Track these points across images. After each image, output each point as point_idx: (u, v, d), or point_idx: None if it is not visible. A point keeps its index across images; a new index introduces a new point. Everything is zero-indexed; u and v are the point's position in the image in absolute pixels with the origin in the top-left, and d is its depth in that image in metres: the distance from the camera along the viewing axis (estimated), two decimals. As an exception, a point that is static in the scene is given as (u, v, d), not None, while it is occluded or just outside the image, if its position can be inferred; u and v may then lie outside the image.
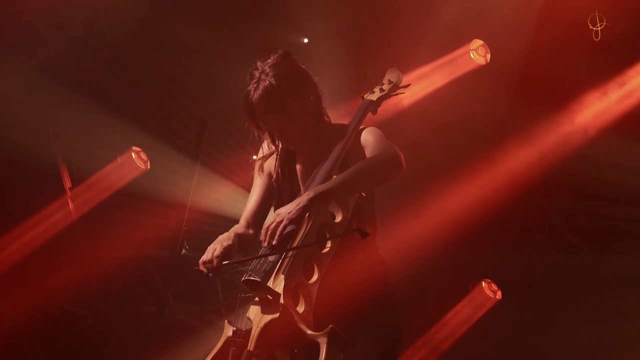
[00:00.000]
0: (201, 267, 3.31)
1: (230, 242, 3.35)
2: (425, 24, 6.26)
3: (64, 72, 6.56)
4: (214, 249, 3.31)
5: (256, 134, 3.59)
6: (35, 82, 6.48)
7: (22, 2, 6.27)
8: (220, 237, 3.41)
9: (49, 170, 6.75)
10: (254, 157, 3.78)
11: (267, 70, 3.42)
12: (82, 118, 6.73)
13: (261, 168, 3.67)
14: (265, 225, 3.26)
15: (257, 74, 3.44)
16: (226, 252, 3.30)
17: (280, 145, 3.61)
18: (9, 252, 6.61)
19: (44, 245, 6.72)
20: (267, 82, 3.41)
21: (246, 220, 3.63)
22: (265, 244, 3.22)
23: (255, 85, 3.43)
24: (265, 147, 3.67)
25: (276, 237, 3.19)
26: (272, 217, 3.26)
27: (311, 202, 3.19)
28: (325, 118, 3.58)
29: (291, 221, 3.19)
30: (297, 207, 3.19)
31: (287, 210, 3.22)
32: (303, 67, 3.53)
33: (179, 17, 6.68)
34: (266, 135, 3.60)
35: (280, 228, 3.19)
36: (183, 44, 6.80)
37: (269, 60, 3.46)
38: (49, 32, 6.42)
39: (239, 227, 3.59)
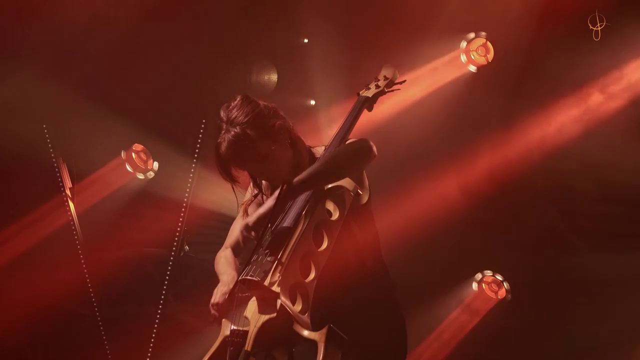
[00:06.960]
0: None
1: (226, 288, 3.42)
2: (425, 23, 6.26)
3: (64, 72, 6.56)
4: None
5: (231, 185, 3.54)
6: (36, 82, 6.49)
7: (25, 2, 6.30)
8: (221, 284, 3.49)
9: (48, 170, 6.75)
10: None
11: (232, 118, 3.40)
12: (83, 118, 6.74)
13: (246, 212, 3.64)
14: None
15: (223, 125, 3.42)
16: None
17: (264, 184, 3.61)
18: (8, 251, 6.62)
19: (44, 244, 6.73)
20: (232, 132, 3.38)
21: (230, 249, 3.64)
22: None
23: (223, 137, 3.41)
24: (249, 192, 3.67)
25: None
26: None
27: (291, 192, 3.22)
28: (300, 143, 3.55)
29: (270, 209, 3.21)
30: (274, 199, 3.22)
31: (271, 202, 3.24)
32: (265, 103, 3.49)
33: (179, 18, 6.68)
34: (249, 179, 3.61)
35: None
36: (184, 44, 6.80)
37: (231, 108, 3.43)
38: (49, 32, 6.43)
39: (230, 257, 3.61)
